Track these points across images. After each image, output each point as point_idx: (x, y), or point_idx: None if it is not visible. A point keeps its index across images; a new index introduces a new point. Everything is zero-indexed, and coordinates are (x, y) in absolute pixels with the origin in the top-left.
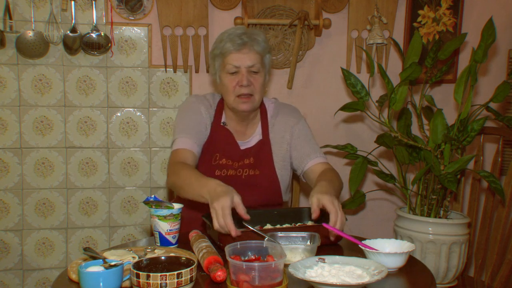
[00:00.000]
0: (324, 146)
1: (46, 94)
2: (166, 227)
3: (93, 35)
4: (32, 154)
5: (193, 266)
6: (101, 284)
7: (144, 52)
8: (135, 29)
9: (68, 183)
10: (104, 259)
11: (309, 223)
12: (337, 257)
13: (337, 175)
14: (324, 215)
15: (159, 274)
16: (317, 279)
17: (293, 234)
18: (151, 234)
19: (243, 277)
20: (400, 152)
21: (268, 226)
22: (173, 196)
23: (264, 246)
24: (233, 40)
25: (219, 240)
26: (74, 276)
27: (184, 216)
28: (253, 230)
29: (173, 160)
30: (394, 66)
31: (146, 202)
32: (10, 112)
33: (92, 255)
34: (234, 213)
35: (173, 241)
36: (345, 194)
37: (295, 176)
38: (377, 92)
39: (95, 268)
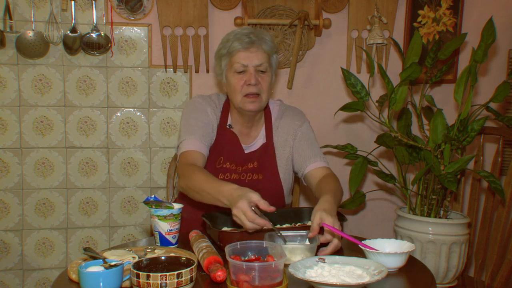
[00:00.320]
0: (324, 146)
1: (46, 94)
2: (166, 227)
3: (93, 35)
4: (32, 154)
5: (193, 266)
6: (101, 284)
7: (144, 52)
8: (135, 29)
9: (68, 183)
10: (104, 259)
11: (309, 223)
12: (337, 257)
13: (338, 183)
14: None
15: (159, 274)
16: (317, 279)
17: (291, 233)
18: (151, 234)
19: (243, 277)
20: (400, 152)
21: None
22: (173, 196)
23: (264, 246)
24: (241, 39)
25: (219, 240)
26: (74, 276)
27: (184, 216)
28: (272, 228)
29: (184, 162)
30: (394, 66)
31: (146, 202)
32: (10, 112)
33: (92, 255)
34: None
35: (173, 241)
36: (345, 194)
37: (296, 178)
38: (377, 92)
39: (95, 268)
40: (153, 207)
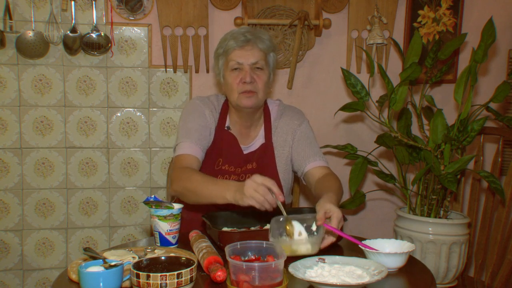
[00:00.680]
0: (324, 146)
1: (46, 94)
2: (166, 227)
3: (93, 35)
4: (32, 154)
5: (193, 266)
6: (101, 284)
7: (144, 52)
8: (135, 29)
9: (68, 183)
10: (104, 259)
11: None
12: (337, 257)
13: (339, 182)
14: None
15: (159, 274)
16: (317, 279)
17: (299, 217)
18: (151, 234)
19: (243, 277)
20: (400, 152)
21: (268, 226)
22: (173, 197)
23: (264, 246)
24: (237, 38)
25: (219, 240)
26: (74, 276)
27: (184, 216)
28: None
29: (178, 166)
30: (394, 66)
31: (146, 202)
32: (10, 112)
33: (92, 255)
34: (232, 216)
35: (173, 241)
36: (345, 194)
37: (296, 178)
38: (377, 92)
39: (95, 268)
40: (153, 207)
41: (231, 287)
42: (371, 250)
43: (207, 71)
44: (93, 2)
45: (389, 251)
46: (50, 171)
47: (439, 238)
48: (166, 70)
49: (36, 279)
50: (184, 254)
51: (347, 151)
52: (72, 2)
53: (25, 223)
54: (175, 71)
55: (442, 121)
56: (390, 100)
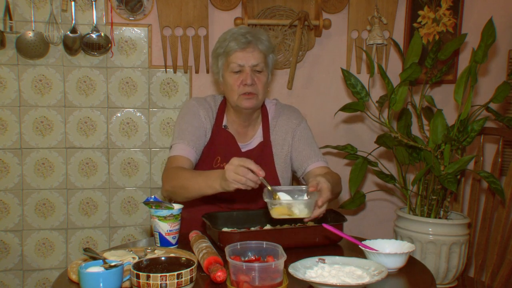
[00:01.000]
0: (324, 147)
1: (46, 94)
2: (166, 228)
3: (93, 35)
4: (32, 155)
5: (193, 267)
6: (101, 284)
7: (144, 53)
8: (135, 29)
9: (68, 184)
10: (104, 259)
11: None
12: (337, 258)
13: (338, 177)
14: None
15: (159, 275)
16: (317, 280)
17: (291, 188)
18: (151, 234)
19: (243, 277)
20: (400, 152)
21: (268, 226)
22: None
23: (264, 246)
24: (238, 39)
25: (219, 241)
26: (74, 277)
27: (184, 217)
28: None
29: (169, 166)
30: (394, 67)
31: (146, 202)
32: (10, 113)
33: (92, 256)
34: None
35: (173, 241)
36: (345, 195)
37: (294, 177)
38: (377, 92)
39: (95, 269)
40: (153, 207)
41: None
42: (371, 251)
43: (207, 72)
44: (93, 2)
45: (389, 251)
46: (50, 172)
47: (439, 239)
48: (166, 70)
49: (36, 280)
50: (184, 255)
51: (347, 152)
52: (72, 3)
53: (25, 224)
54: (175, 72)
55: (442, 122)
56: (390, 101)
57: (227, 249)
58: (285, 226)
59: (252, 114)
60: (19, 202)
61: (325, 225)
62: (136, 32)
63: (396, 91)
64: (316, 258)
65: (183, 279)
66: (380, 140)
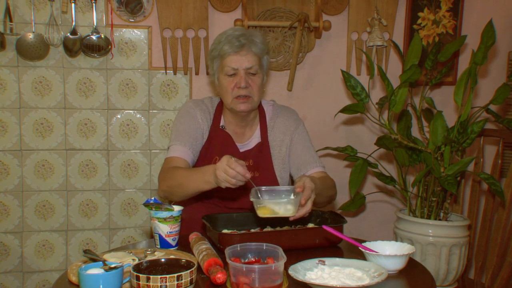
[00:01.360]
0: (324, 148)
1: (46, 96)
2: (166, 229)
3: (93, 37)
4: (32, 156)
5: (193, 269)
6: (101, 286)
7: (144, 54)
8: (135, 31)
9: (68, 185)
10: (104, 261)
11: (310, 225)
12: (337, 259)
13: (332, 181)
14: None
15: (159, 277)
16: (317, 281)
17: (277, 188)
18: (151, 236)
19: (243, 279)
20: (400, 154)
21: (268, 228)
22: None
23: (264, 248)
24: (231, 42)
25: (219, 242)
26: (74, 279)
27: (184, 218)
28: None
29: (165, 167)
30: (394, 68)
31: (146, 204)
32: (10, 114)
33: (92, 257)
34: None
35: (173, 243)
36: (345, 196)
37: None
38: (377, 94)
39: (95, 271)
40: (153, 209)
41: None
42: (371, 252)
43: (207, 73)
44: (93, 4)
45: (389, 253)
46: (50, 173)
47: (439, 240)
48: (166, 72)
49: (36, 281)
50: (184, 256)
51: (347, 153)
52: (72, 4)
53: (25, 225)
54: (175, 73)
55: (442, 123)
56: (390, 102)
57: (227, 251)
58: (285, 227)
59: (249, 115)
60: (19, 203)
61: (325, 227)
62: (136, 34)
63: (396, 92)
64: (316, 260)
65: (183, 281)
66: (380, 142)
